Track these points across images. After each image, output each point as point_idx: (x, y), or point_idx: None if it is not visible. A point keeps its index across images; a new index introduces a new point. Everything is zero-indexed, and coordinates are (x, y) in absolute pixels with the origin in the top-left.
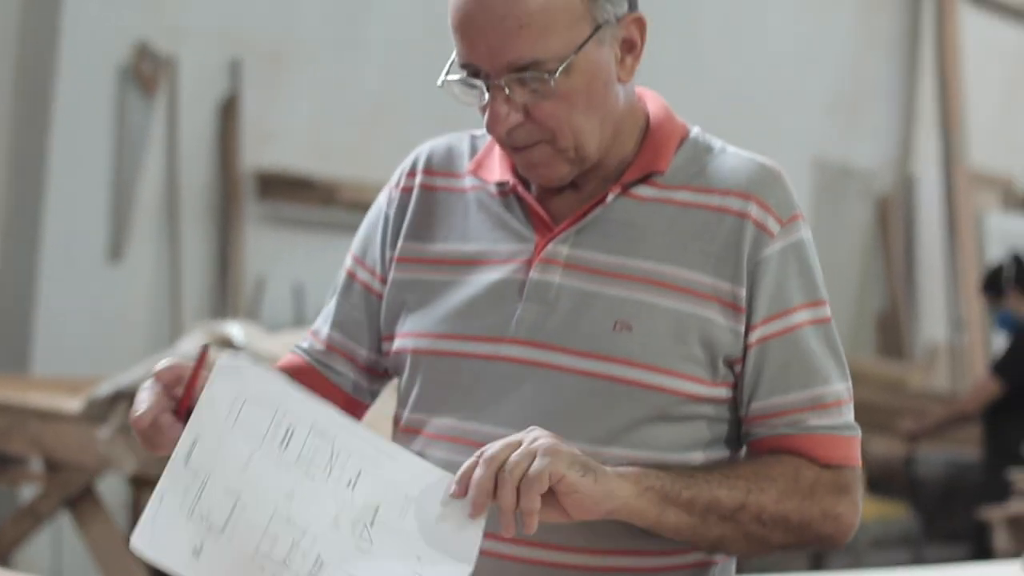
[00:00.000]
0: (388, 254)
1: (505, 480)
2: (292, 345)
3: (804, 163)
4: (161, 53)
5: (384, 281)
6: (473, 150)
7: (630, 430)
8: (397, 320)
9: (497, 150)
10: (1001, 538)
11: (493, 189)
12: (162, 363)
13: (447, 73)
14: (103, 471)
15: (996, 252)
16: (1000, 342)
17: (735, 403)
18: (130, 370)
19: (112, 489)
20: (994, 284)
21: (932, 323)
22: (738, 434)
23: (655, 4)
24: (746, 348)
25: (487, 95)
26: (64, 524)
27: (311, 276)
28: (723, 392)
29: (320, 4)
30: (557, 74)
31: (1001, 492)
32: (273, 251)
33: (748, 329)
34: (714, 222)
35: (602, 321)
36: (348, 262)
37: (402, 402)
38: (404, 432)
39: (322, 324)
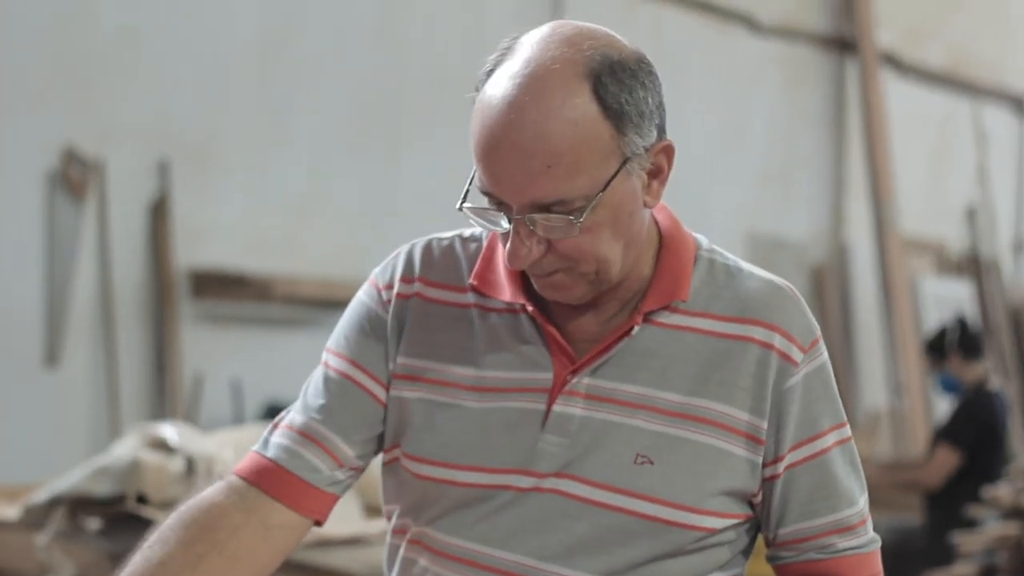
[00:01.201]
0: (390, 365)
1: None
2: (228, 443)
3: (737, 237)
4: (88, 156)
5: (386, 388)
6: (470, 258)
7: (646, 564)
8: (401, 437)
9: (499, 261)
10: None
11: (501, 306)
12: None
13: (464, 199)
14: None
15: (932, 317)
16: (942, 406)
17: (753, 520)
18: (67, 475)
19: None
20: (937, 347)
21: (872, 389)
22: (753, 544)
23: None
24: (774, 476)
25: (508, 227)
26: None
27: (248, 372)
28: (741, 519)
29: (245, 101)
30: (584, 214)
31: (945, 556)
32: (209, 349)
33: (777, 459)
34: (737, 352)
35: (623, 454)
36: (333, 360)
37: (406, 512)
38: (411, 542)
39: (301, 416)
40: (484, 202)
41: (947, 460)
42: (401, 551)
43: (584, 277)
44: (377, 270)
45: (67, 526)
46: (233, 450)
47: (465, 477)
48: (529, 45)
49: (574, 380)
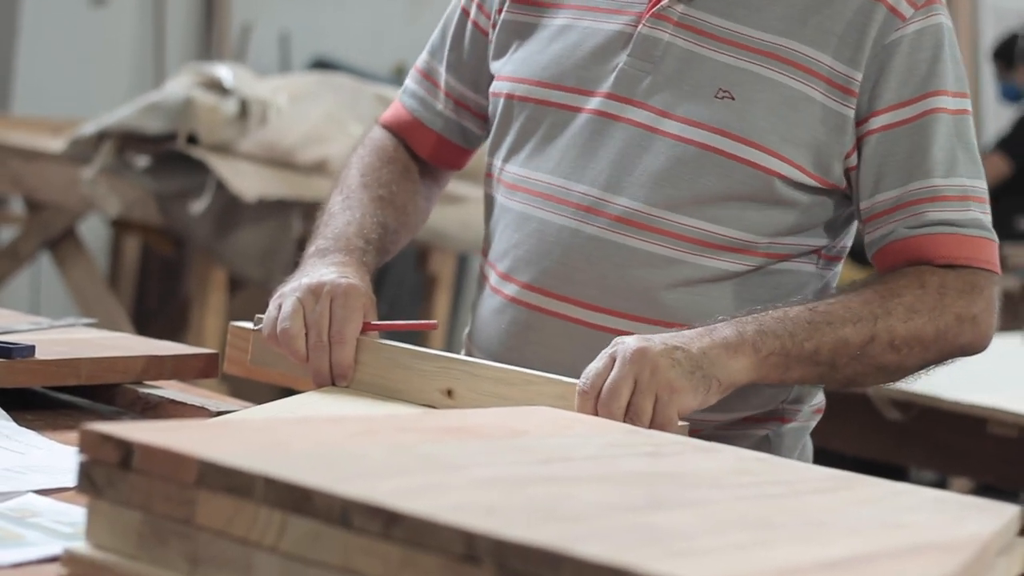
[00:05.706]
0: None
1: (635, 424)
2: (282, 88)
3: None
4: None
5: (496, 25)
6: None
7: (714, 204)
8: (498, 60)
9: None
10: None
11: None
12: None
13: None
14: (85, 213)
15: (989, 29)
16: (996, 114)
17: (836, 195)
18: (116, 111)
19: (94, 232)
20: (1007, 53)
21: None
22: (836, 228)
23: None
24: (866, 135)
25: None
26: (44, 265)
27: (298, 24)
28: (820, 184)
29: None
30: None
31: None
32: None
33: (871, 114)
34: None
35: (705, 86)
36: None
37: (491, 149)
38: (496, 181)
39: (436, 63)
40: None
41: (996, 167)
42: (489, 195)
43: None
44: None
45: (114, 161)
46: (288, 95)
47: (542, 94)
48: None
49: (666, 3)
